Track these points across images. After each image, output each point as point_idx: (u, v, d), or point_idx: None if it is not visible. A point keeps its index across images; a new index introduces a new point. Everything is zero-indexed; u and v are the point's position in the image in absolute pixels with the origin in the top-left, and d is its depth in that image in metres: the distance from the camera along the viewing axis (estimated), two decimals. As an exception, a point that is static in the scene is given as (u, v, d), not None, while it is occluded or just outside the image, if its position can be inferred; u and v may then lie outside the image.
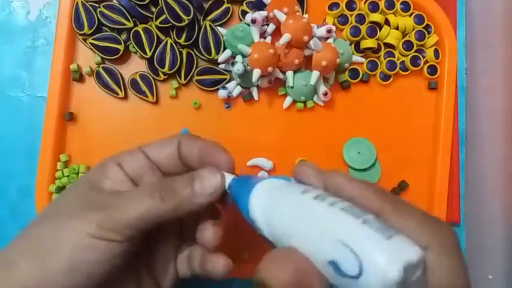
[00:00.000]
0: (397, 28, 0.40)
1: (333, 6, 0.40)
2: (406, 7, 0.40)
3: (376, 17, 0.40)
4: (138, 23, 0.38)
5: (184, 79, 0.38)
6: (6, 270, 0.23)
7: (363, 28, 0.40)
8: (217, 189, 0.25)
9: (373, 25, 0.40)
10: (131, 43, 0.38)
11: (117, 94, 0.38)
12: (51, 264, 0.23)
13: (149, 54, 0.38)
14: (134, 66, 0.39)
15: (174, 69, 0.38)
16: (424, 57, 0.41)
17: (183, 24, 0.37)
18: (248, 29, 0.38)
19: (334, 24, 0.40)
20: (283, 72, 0.38)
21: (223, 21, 0.39)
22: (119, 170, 0.27)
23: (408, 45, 0.40)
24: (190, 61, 0.39)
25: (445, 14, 0.40)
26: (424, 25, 0.40)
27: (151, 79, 0.39)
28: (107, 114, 0.39)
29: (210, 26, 0.38)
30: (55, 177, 0.37)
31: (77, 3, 0.38)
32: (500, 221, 0.39)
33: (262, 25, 0.38)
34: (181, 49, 0.39)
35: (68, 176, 0.37)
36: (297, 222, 0.20)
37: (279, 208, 0.22)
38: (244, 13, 0.39)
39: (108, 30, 0.39)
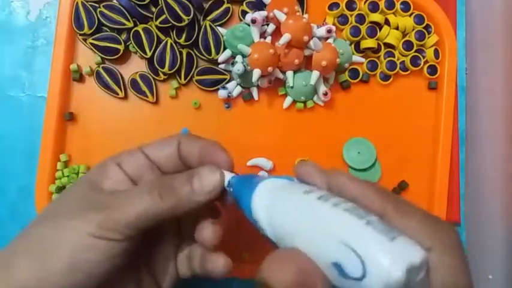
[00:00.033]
0: (397, 28, 0.40)
1: (333, 6, 0.40)
2: (406, 7, 0.40)
3: (376, 17, 0.40)
4: (138, 23, 0.38)
5: (184, 79, 0.38)
6: (6, 270, 0.23)
7: (363, 28, 0.40)
8: (216, 187, 0.25)
9: (373, 25, 0.40)
10: (131, 43, 0.38)
11: (117, 94, 0.38)
12: (51, 264, 0.23)
13: (149, 54, 0.38)
14: (134, 66, 0.39)
15: (174, 69, 0.38)
16: (424, 57, 0.41)
17: (183, 24, 0.37)
18: (248, 29, 0.38)
19: (334, 24, 0.40)
20: (283, 72, 0.38)
21: (223, 21, 0.39)
22: (119, 170, 0.27)
23: (408, 45, 0.40)
24: (190, 61, 0.39)
25: (445, 14, 0.40)
26: (424, 25, 0.40)
27: (151, 79, 0.39)
28: (107, 114, 0.39)
29: (210, 26, 0.38)
30: (55, 177, 0.37)
31: (77, 3, 0.38)
32: (500, 221, 0.39)
33: (262, 25, 0.38)
34: (181, 49, 0.39)
35: (68, 176, 0.37)
36: (300, 223, 0.20)
37: (282, 208, 0.21)
38: (244, 13, 0.39)
39: (108, 30, 0.39)
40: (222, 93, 0.38)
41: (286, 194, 0.22)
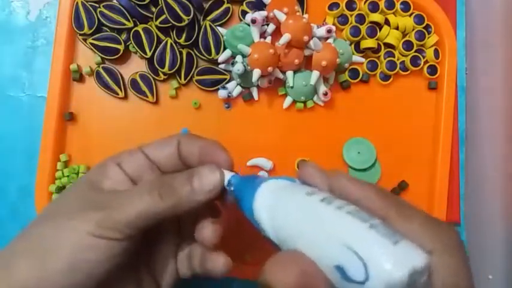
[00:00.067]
0: (397, 28, 0.40)
1: (333, 6, 0.40)
2: (406, 7, 0.40)
3: (376, 17, 0.39)
4: (138, 23, 0.38)
5: (184, 79, 0.38)
6: (6, 270, 0.23)
7: (363, 28, 0.40)
8: (216, 186, 0.25)
9: (373, 25, 0.40)
10: (131, 43, 0.38)
11: (117, 94, 0.38)
12: (51, 264, 0.23)
13: (149, 54, 0.38)
14: (134, 66, 0.39)
15: (174, 69, 0.38)
16: (424, 57, 0.41)
17: (183, 24, 0.37)
18: (248, 29, 0.38)
19: (334, 24, 0.40)
20: (283, 72, 0.38)
21: (223, 21, 0.39)
22: (119, 170, 0.27)
23: (408, 45, 0.40)
24: (190, 61, 0.39)
25: (445, 14, 0.40)
26: (424, 25, 0.40)
27: (151, 79, 0.39)
28: (107, 114, 0.39)
29: (210, 26, 0.38)
30: (55, 177, 0.37)
31: (77, 3, 0.38)
32: (500, 221, 0.39)
33: (262, 25, 0.38)
34: (181, 49, 0.39)
35: (68, 176, 0.37)
36: (303, 225, 0.20)
37: (285, 210, 0.21)
38: (244, 13, 0.39)
39: (108, 30, 0.39)
40: (222, 93, 0.38)
41: (289, 195, 0.22)
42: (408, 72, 0.41)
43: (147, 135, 0.38)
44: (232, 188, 0.25)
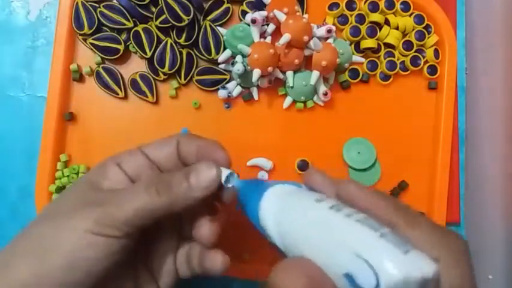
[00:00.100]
0: (397, 28, 0.40)
1: (333, 6, 0.40)
2: (406, 7, 0.40)
3: (376, 17, 0.39)
4: (138, 23, 0.38)
5: (184, 79, 0.38)
6: (6, 270, 0.23)
7: (363, 28, 0.40)
8: (212, 182, 0.25)
9: (373, 25, 0.40)
10: (131, 43, 0.38)
11: (117, 94, 0.38)
12: (50, 262, 0.23)
13: (149, 54, 0.38)
14: (134, 66, 0.39)
15: (174, 69, 0.38)
16: (424, 57, 0.41)
17: (183, 24, 0.37)
18: (248, 29, 0.38)
19: (334, 24, 0.40)
20: (283, 72, 0.38)
21: (223, 21, 0.39)
22: (119, 170, 0.27)
23: (408, 45, 0.40)
24: (190, 61, 0.39)
25: (445, 14, 0.40)
26: (424, 25, 0.40)
27: (151, 79, 0.39)
28: (107, 114, 0.39)
29: (210, 26, 0.38)
30: (55, 177, 0.37)
31: (77, 3, 0.38)
32: (500, 221, 0.39)
33: (262, 25, 0.38)
34: (181, 49, 0.39)
35: (68, 176, 0.37)
36: (311, 232, 0.20)
37: (292, 215, 0.21)
38: (244, 13, 0.39)
39: (108, 30, 0.39)
40: (222, 93, 0.38)
41: (297, 201, 0.22)
42: (408, 72, 0.41)
43: (147, 135, 0.38)
44: (230, 186, 0.25)
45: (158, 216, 0.25)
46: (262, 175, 0.39)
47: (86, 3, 0.38)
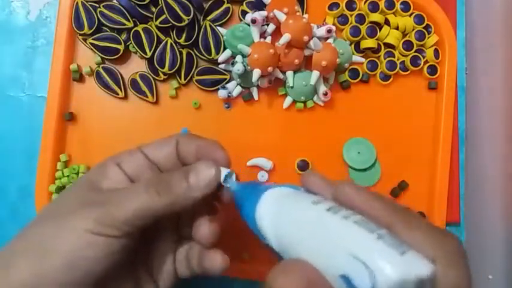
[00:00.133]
0: (397, 28, 0.40)
1: (333, 6, 0.40)
2: (406, 7, 0.40)
3: (376, 17, 0.40)
4: (138, 23, 0.38)
5: (184, 79, 0.38)
6: (6, 270, 0.23)
7: (363, 28, 0.40)
8: (212, 181, 0.25)
9: (373, 25, 0.40)
10: (131, 43, 0.38)
11: (117, 94, 0.38)
12: (50, 262, 0.23)
13: (149, 54, 0.38)
14: (134, 66, 0.39)
15: (174, 69, 0.38)
16: (424, 57, 0.41)
17: (183, 24, 0.37)
18: (248, 29, 0.38)
19: (334, 24, 0.40)
20: (283, 72, 0.38)
21: (223, 21, 0.39)
22: (119, 170, 0.27)
23: (408, 45, 0.40)
24: (190, 61, 0.39)
25: (445, 14, 0.40)
26: (424, 25, 0.40)
27: (151, 79, 0.39)
28: (107, 114, 0.39)
29: (210, 26, 0.38)
30: (55, 177, 0.37)
31: (77, 3, 0.38)
32: (500, 221, 0.39)
33: (262, 25, 0.38)
34: (181, 49, 0.39)
35: (68, 176, 0.37)
36: (309, 234, 0.20)
37: (290, 217, 0.21)
38: (244, 13, 0.39)
39: (108, 30, 0.39)
40: (222, 93, 0.38)
41: (294, 203, 0.22)
42: (408, 72, 0.41)
43: (147, 135, 0.38)
44: (229, 185, 0.26)
45: (158, 216, 0.25)
46: (262, 175, 0.39)
47: (86, 3, 0.38)
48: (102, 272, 0.24)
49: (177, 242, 0.30)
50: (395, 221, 0.19)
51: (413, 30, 0.40)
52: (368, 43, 0.39)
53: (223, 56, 0.38)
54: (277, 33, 0.37)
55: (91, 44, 0.38)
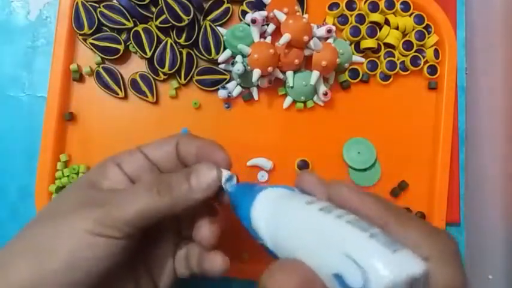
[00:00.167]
0: (397, 28, 0.40)
1: (333, 6, 0.40)
2: (406, 7, 0.40)
3: (376, 17, 0.39)
4: (138, 23, 0.38)
5: (184, 79, 0.38)
6: (5, 270, 0.23)
7: (363, 28, 0.40)
8: (213, 183, 0.25)
9: (373, 25, 0.40)
10: (131, 43, 0.38)
11: (117, 94, 0.38)
12: (49, 262, 0.23)
13: (149, 54, 0.38)
14: (134, 66, 0.39)
15: (174, 69, 0.38)
16: (424, 57, 0.41)
17: (183, 24, 0.37)
18: (248, 29, 0.38)
19: (334, 24, 0.40)
20: (283, 72, 0.38)
21: (223, 21, 0.39)
22: (118, 171, 0.27)
23: (408, 45, 0.40)
24: (190, 61, 0.39)
25: (445, 14, 0.40)
26: (424, 25, 0.40)
27: (151, 79, 0.39)
28: (107, 114, 0.39)
29: (210, 26, 0.38)
30: (55, 177, 0.37)
31: (77, 3, 0.38)
32: (500, 221, 0.39)
33: (262, 25, 0.38)
34: (181, 49, 0.39)
35: (68, 176, 0.37)
36: (302, 234, 0.20)
37: (284, 218, 0.21)
38: (244, 13, 0.39)
39: (108, 30, 0.39)
40: (222, 93, 0.38)
41: (288, 204, 0.22)
42: (408, 72, 0.41)
43: (147, 135, 0.38)
44: (229, 188, 0.26)
45: (159, 217, 0.25)
46: (262, 175, 0.39)
47: (86, 3, 0.38)
48: (102, 272, 0.24)
49: (178, 243, 0.30)
50: (389, 219, 0.20)
51: (413, 30, 0.40)
52: (368, 43, 0.39)
53: (223, 56, 0.38)
54: (277, 33, 0.37)
55: (91, 44, 0.38)
